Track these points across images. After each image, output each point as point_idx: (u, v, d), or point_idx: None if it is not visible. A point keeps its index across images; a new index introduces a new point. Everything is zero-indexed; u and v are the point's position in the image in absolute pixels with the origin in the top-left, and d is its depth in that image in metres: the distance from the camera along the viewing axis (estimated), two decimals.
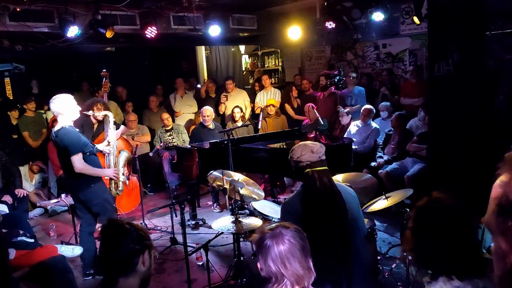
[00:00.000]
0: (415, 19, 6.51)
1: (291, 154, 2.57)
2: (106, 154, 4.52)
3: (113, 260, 1.79)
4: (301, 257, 1.62)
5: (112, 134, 4.58)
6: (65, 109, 3.98)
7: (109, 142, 4.52)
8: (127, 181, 4.79)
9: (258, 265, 1.68)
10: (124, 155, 4.66)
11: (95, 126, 5.18)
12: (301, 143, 2.61)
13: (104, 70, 5.41)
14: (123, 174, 4.53)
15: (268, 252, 1.62)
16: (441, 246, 1.38)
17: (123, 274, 1.77)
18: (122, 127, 5.08)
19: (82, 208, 4.31)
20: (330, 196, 2.44)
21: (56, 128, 4.01)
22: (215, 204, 6.29)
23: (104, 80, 5.44)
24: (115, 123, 4.77)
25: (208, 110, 6.40)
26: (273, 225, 1.73)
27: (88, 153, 4.07)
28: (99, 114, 4.64)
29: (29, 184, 6.57)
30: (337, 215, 2.41)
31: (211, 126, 6.36)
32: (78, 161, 3.96)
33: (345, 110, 6.87)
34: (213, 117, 6.56)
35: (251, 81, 10.92)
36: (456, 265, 1.37)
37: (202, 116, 6.36)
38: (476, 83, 4.13)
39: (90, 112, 4.53)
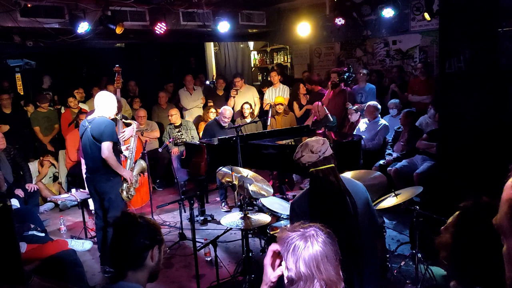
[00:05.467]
0: (426, 15, 6.46)
1: (294, 155, 2.46)
2: (125, 157, 4.71)
3: (123, 254, 1.80)
4: (335, 261, 1.51)
5: (129, 130, 4.83)
6: (103, 103, 4.23)
7: (127, 148, 4.75)
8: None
9: (285, 264, 1.52)
10: (140, 165, 4.77)
11: None
12: (303, 142, 2.48)
13: (117, 65, 5.44)
14: (136, 181, 4.64)
15: (300, 252, 1.49)
16: (486, 259, 1.26)
17: (132, 267, 1.78)
18: (134, 123, 5.08)
19: (99, 202, 4.40)
20: (337, 195, 2.36)
21: (92, 116, 4.23)
22: (223, 204, 6.19)
23: (116, 75, 5.47)
24: (126, 117, 4.84)
25: (229, 111, 6.30)
26: (306, 223, 1.59)
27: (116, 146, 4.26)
28: None
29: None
30: (345, 214, 2.35)
31: (227, 125, 6.30)
32: (107, 148, 4.12)
33: (354, 107, 6.83)
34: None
35: (259, 77, 10.92)
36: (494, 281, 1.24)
37: (223, 115, 6.22)
38: (487, 81, 4.08)
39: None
